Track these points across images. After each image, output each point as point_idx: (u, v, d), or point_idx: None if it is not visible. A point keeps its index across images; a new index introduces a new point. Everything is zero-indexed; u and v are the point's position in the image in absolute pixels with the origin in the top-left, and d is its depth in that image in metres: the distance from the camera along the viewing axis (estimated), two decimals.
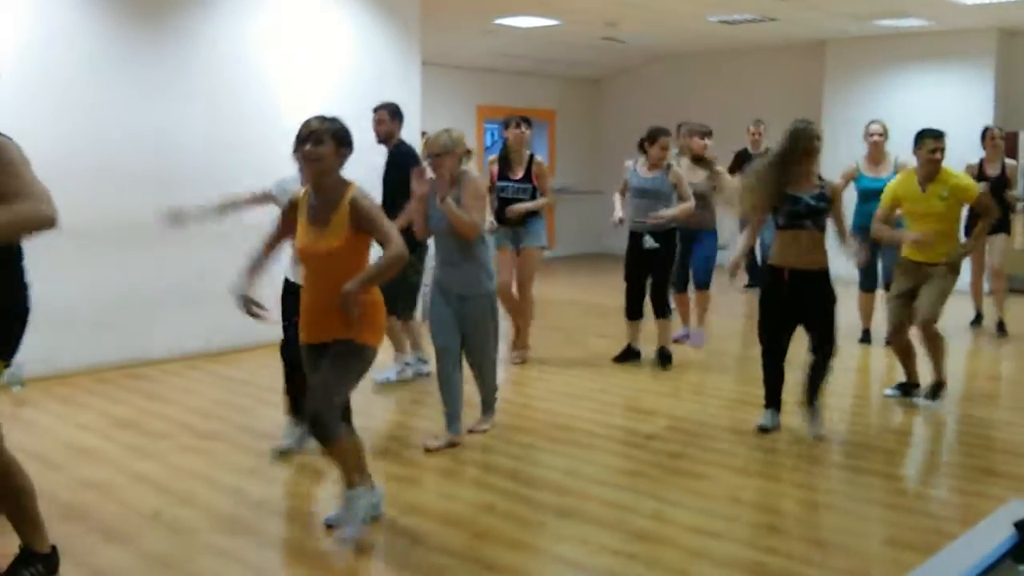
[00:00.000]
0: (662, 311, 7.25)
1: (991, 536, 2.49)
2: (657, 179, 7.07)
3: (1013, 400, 6.56)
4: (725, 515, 4.31)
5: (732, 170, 10.91)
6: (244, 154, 7.77)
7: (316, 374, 3.90)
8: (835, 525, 4.25)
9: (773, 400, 5.64)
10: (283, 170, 7.89)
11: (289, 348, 4.95)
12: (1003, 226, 8.58)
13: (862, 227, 7.04)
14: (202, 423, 5.72)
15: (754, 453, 5.22)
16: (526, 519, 4.34)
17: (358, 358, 3.89)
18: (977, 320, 9.04)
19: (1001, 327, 8.69)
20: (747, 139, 10.95)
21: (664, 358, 7.25)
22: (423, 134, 9.48)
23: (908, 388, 6.32)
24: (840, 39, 12.51)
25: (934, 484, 4.96)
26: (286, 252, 4.49)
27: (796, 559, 3.83)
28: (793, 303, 5.41)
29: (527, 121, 7.46)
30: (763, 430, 5.54)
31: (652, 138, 7.09)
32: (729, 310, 8.81)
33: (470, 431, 5.43)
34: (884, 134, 7.88)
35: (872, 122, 7.98)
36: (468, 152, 5.19)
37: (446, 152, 5.05)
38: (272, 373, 6.82)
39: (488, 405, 5.61)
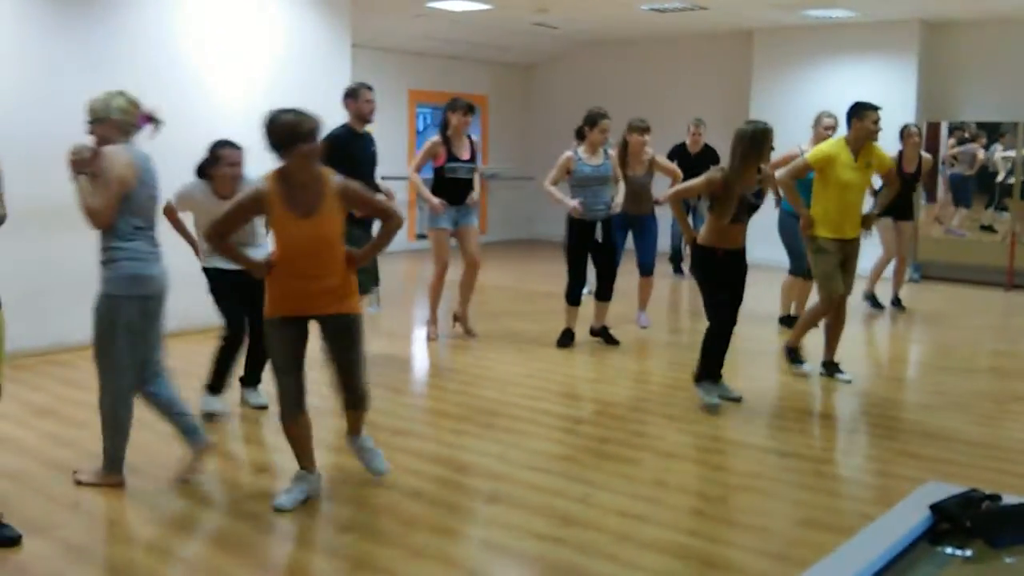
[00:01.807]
0: (611, 295, 7.44)
1: (908, 518, 2.55)
2: (604, 165, 7.20)
3: (928, 383, 6.73)
4: (651, 498, 4.36)
5: (673, 158, 11.05)
6: (170, 136, 7.57)
7: (339, 351, 4.20)
8: (756, 507, 4.32)
9: (718, 373, 5.89)
10: (200, 148, 7.80)
11: (246, 325, 5.40)
12: (909, 214, 9.27)
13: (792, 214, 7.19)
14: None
15: (680, 437, 5.28)
16: (455, 505, 4.34)
17: (361, 326, 4.25)
18: (876, 303, 9.28)
19: (898, 302, 9.31)
20: (687, 138, 11.04)
21: (611, 337, 7.47)
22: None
23: (834, 366, 6.53)
24: (768, 29, 12.68)
25: (852, 466, 5.08)
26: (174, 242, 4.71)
27: (719, 541, 3.90)
28: (724, 278, 5.67)
29: (472, 108, 7.56)
30: (714, 407, 5.72)
31: (592, 122, 7.11)
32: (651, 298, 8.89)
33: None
34: (836, 127, 8.00)
35: (826, 115, 8.05)
36: (151, 122, 4.68)
37: (97, 119, 4.49)
38: (199, 360, 6.72)
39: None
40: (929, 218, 11.87)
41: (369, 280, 6.70)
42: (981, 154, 11.56)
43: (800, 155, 7.82)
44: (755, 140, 5.50)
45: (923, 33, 11.80)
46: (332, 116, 8.45)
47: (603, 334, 7.52)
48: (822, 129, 7.80)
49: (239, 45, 8.06)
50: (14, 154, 6.71)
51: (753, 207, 5.65)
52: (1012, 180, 11.27)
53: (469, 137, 7.48)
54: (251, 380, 5.77)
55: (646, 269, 8.11)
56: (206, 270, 5.55)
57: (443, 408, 5.81)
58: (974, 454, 5.08)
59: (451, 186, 7.34)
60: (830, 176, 6.20)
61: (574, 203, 7.10)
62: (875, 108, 6.27)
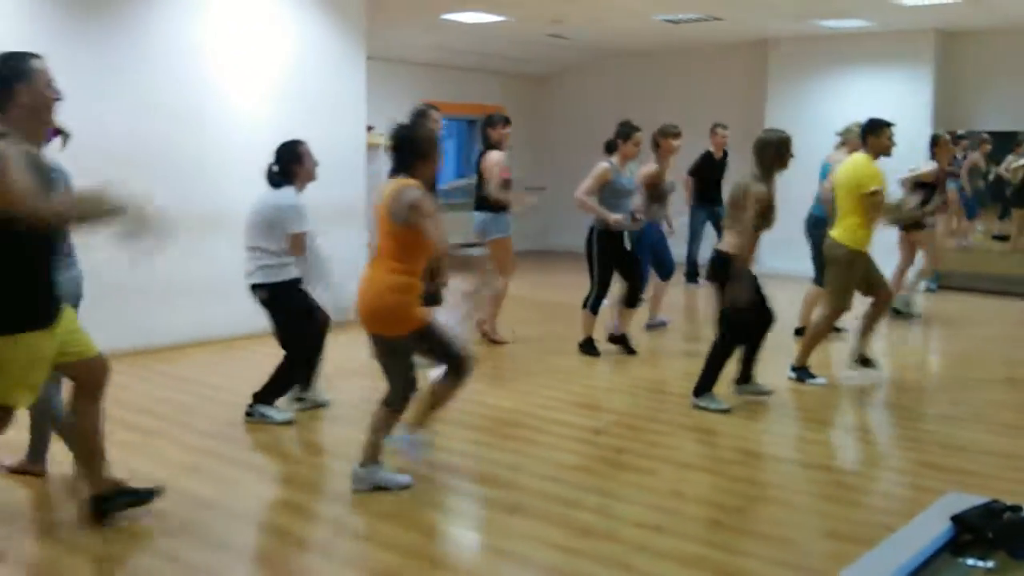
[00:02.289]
0: (639, 302, 7.56)
1: (929, 529, 2.53)
2: (632, 177, 7.36)
3: (947, 394, 6.68)
4: (669, 509, 4.34)
5: (696, 172, 11.07)
6: (188, 148, 7.67)
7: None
8: (775, 518, 4.30)
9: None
10: (230, 165, 7.86)
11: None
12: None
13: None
14: (142, 420, 5.62)
15: (697, 447, 5.26)
16: (473, 515, 4.34)
17: None
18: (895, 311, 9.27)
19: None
20: (711, 143, 11.05)
21: (630, 347, 7.56)
22: (369, 129, 9.43)
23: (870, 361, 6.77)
24: (783, 39, 12.67)
25: (873, 477, 5.04)
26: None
27: (737, 552, 3.88)
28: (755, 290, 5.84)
29: (509, 121, 7.94)
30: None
31: (627, 135, 7.18)
32: (666, 307, 8.87)
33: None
34: None
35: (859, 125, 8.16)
36: (59, 135, 4.64)
37: None
38: (217, 370, 6.76)
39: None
40: (947, 229, 11.82)
41: None
42: (981, 163, 11.58)
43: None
44: (781, 147, 5.75)
45: (938, 42, 11.76)
46: (345, 125, 8.59)
47: (623, 342, 7.54)
48: (885, 140, 7.46)
49: (255, 56, 8.11)
50: None
51: None
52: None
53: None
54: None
55: (669, 273, 8.36)
56: (288, 283, 5.53)
57: (460, 418, 5.80)
58: (995, 465, 5.04)
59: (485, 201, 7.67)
60: (871, 192, 6.33)
61: (617, 216, 7.09)
62: (890, 124, 6.49)
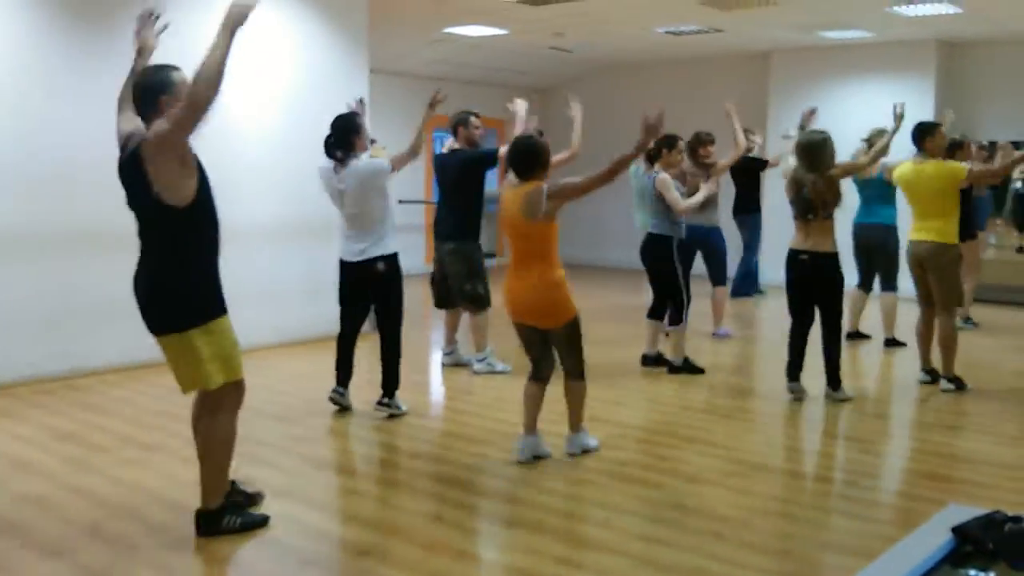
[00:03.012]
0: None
1: (930, 541, 2.53)
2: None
3: (949, 404, 6.66)
4: (672, 522, 4.33)
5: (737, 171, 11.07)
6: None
7: None
8: (777, 530, 4.28)
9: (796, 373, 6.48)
10: (233, 179, 7.87)
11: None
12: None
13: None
14: (145, 435, 5.62)
15: (699, 460, 5.25)
16: (474, 529, 4.33)
17: None
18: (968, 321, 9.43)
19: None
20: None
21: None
22: (372, 142, 9.43)
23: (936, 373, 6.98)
24: (785, 50, 12.69)
25: (875, 488, 5.02)
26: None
27: (739, 565, 3.86)
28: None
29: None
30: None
31: (672, 143, 7.33)
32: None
33: None
34: None
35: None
36: None
37: None
38: None
39: None
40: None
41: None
42: None
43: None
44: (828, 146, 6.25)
45: (940, 53, 11.78)
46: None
47: (662, 360, 7.54)
48: (940, 139, 7.33)
49: (257, 69, 8.13)
50: (36, 177, 6.82)
51: None
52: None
53: None
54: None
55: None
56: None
57: (462, 431, 5.80)
58: (997, 475, 5.03)
59: None
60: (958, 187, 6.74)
61: (707, 189, 7.42)
62: (940, 125, 7.19)
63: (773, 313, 9.01)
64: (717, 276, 8.60)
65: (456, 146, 7.27)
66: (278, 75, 8.31)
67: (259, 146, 8.06)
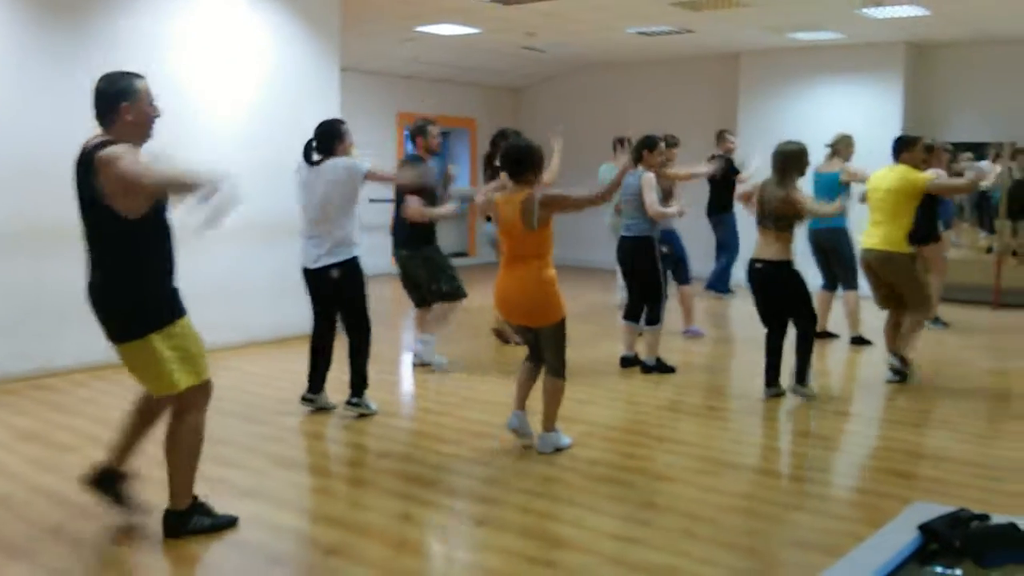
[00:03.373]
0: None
1: (897, 538, 2.55)
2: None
3: (916, 402, 6.72)
4: (642, 520, 4.34)
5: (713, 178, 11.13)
6: (156, 155, 7.59)
7: None
8: (745, 527, 4.30)
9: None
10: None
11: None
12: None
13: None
14: (109, 435, 5.54)
15: (670, 458, 5.26)
16: (445, 528, 4.32)
17: None
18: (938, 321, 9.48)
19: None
20: (720, 149, 11.04)
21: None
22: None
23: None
24: (755, 51, 12.76)
25: (842, 486, 5.06)
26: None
27: (708, 563, 3.87)
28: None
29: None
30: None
31: (653, 145, 7.27)
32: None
33: None
34: None
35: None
36: None
37: None
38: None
39: None
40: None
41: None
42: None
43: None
44: (802, 156, 6.32)
45: (909, 55, 11.88)
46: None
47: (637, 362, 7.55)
48: (919, 152, 7.26)
49: (228, 67, 8.08)
50: (2, 178, 6.72)
51: None
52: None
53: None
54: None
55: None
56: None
57: (432, 431, 5.78)
58: (963, 473, 5.07)
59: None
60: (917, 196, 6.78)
61: (677, 208, 7.44)
62: (920, 138, 7.14)
63: (743, 313, 9.03)
64: (683, 276, 8.60)
65: (416, 155, 7.23)
66: (249, 72, 8.25)
67: (229, 144, 7.99)
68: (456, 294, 7.29)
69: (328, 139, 5.78)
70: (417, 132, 7.20)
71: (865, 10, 9.65)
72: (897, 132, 11.48)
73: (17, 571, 3.70)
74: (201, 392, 4.01)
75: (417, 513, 4.41)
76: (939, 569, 2.42)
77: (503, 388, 6.80)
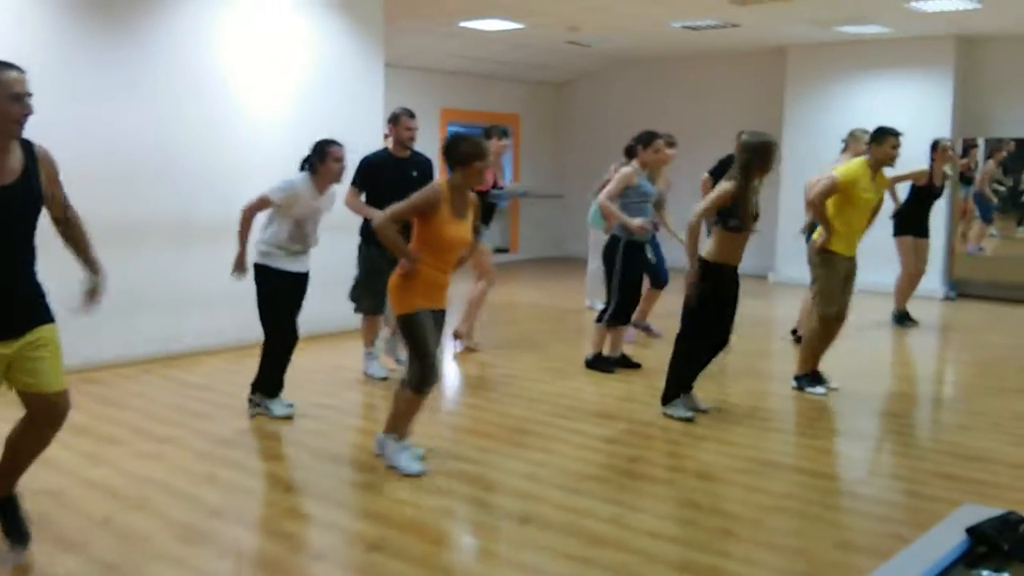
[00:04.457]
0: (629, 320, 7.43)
1: (944, 541, 2.51)
2: (654, 188, 7.15)
3: (963, 403, 6.63)
4: (683, 519, 4.32)
5: (715, 173, 11.00)
6: (207, 156, 7.72)
7: (436, 338, 4.83)
8: (788, 528, 4.27)
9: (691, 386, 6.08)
10: (247, 172, 7.91)
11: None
12: (927, 231, 9.30)
13: None
14: (157, 428, 5.64)
15: (711, 457, 5.23)
16: (485, 524, 4.33)
17: None
18: (904, 319, 9.25)
19: (908, 317, 9.37)
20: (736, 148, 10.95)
21: (633, 361, 7.39)
22: (386, 136, 9.45)
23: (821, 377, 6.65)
24: (801, 45, 12.63)
25: (888, 487, 5.00)
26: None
27: (749, 563, 3.85)
28: (728, 295, 5.88)
29: (507, 132, 7.80)
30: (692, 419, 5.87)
31: (648, 141, 6.98)
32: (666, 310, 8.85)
33: None
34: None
35: (863, 131, 8.13)
36: None
37: None
38: (231, 378, 6.78)
39: None
40: (960, 235, 11.78)
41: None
42: (994, 170, 11.59)
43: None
44: (763, 151, 5.63)
45: (959, 49, 11.69)
46: (363, 132, 8.61)
47: (625, 362, 7.34)
48: (889, 148, 6.65)
49: (273, 64, 8.15)
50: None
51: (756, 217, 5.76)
52: None
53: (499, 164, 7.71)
54: (277, 389, 5.92)
55: (664, 281, 8.27)
56: (275, 271, 5.66)
57: (471, 426, 5.80)
58: (1012, 475, 5.00)
59: (490, 209, 7.61)
60: (853, 195, 6.27)
61: (639, 222, 6.81)
62: (896, 134, 6.39)
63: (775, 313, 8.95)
64: (655, 280, 8.29)
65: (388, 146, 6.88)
66: (294, 72, 8.32)
67: (273, 138, 8.07)
68: (357, 306, 6.91)
69: (310, 157, 5.65)
70: (389, 120, 6.81)
71: (914, 3, 9.51)
72: (947, 127, 11.41)
73: (69, 563, 3.77)
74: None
75: (457, 509, 4.42)
76: (987, 572, 2.39)
77: (544, 385, 6.81)
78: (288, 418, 5.78)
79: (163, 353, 7.45)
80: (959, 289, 11.54)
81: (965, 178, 11.49)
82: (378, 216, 4.71)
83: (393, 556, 3.88)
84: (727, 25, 11.11)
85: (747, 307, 10.59)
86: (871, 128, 6.73)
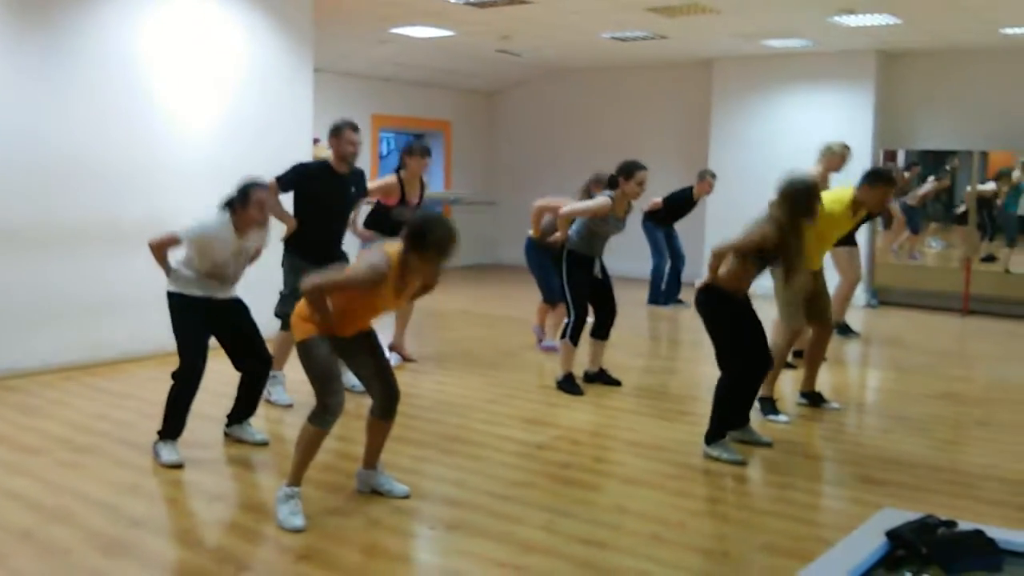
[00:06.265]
0: (609, 334, 7.13)
1: (864, 544, 2.57)
2: (625, 220, 6.89)
3: (885, 407, 6.79)
4: (612, 525, 4.35)
5: (670, 201, 11.06)
6: (132, 160, 7.57)
7: (372, 360, 4.54)
8: (715, 532, 4.32)
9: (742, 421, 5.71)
10: (174, 176, 7.78)
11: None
12: (855, 240, 9.08)
13: None
14: (80, 437, 5.51)
15: (640, 463, 5.28)
16: (415, 533, 4.31)
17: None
18: (846, 330, 9.41)
19: (849, 328, 9.48)
20: (697, 187, 10.95)
21: (612, 378, 7.20)
22: (315, 141, 9.38)
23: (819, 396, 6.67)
24: (728, 58, 12.83)
25: (812, 491, 5.09)
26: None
27: (677, 567, 3.89)
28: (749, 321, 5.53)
29: (428, 151, 7.39)
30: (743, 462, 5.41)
31: (629, 173, 6.68)
32: (625, 325, 8.91)
33: None
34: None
35: (841, 145, 8.48)
36: None
37: None
38: (155, 386, 6.64)
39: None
40: (885, 245, 12.07)
41: None
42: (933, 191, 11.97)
43: None
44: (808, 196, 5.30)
45: (880, 63, 12.00)
46: (291, 136, 8.53)
47: (602, 377, 7.19)
48: (880, 195, 6.46)
49: (200, 69, 8.02)
50: None
51: None
52: (964, 208, 11.52)
53: (421, 180, 7.38)
54: (247, 414, 5.55)
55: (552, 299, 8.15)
56: (182, 296, 5.24)
57: (402, 434, 5.76)
58: (933, 479, 5.13)
59: (397, 227, 7.23)
60: (825, 233, 6.21)
61: (557, 236, 6.86)
62: (893, 181, 6.38)
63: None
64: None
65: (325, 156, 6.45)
66: (222, 77, 8.19)
67: (199, 141, 7.96)
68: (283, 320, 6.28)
69: (233, 198, 5.20)
70: (330, 133, 6.24)
71: (837, 18, 9.73)
72: (869, 139, 11.68)
73: None
74: None
75: (387, 518, 4.39)
76: (907, 575, 2.44)
77: (476, 392, 6.80)
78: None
79: (87, 361, 7.28)
80: (881, 297, 11.83)
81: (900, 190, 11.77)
82: (307, 281, 4.22)
83: (321, 566, 3.84)
84: (656, 37, 11.25)
85: (678, 319, 10.75)
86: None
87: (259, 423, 5.71)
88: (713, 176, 10.97)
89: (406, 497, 4.61)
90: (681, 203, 11.08)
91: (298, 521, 4.22)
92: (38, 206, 7.00)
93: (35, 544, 3.98)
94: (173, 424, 5.18)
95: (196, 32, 8.01)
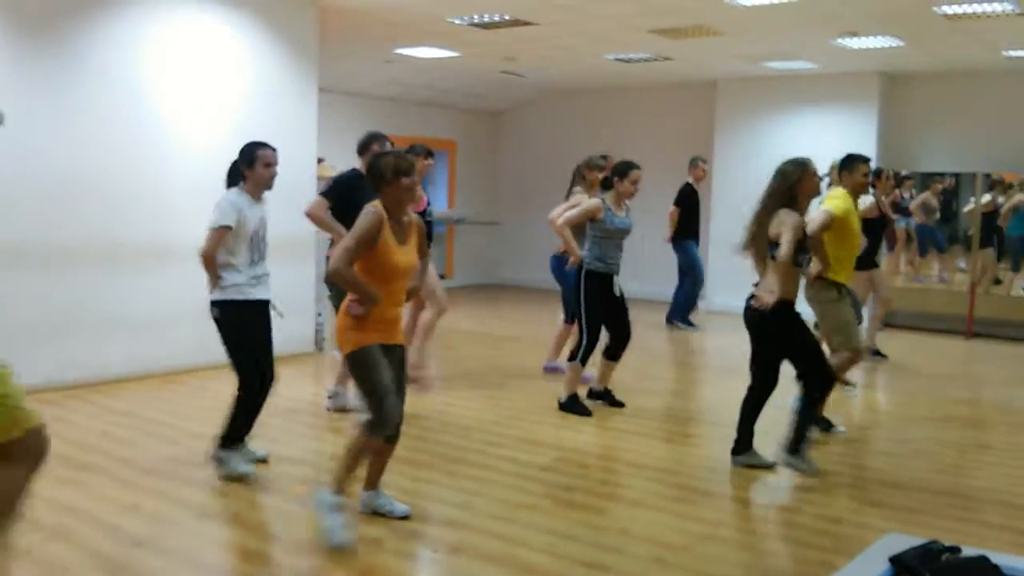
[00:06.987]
0: (621, 355, 7.04)
1: (868, 570, 2.55)
2: (629, 218, 6.80)
3: (892, 431, 6.76)
4: (615, 548, 4.32)
5: (680, 202, 11.10)
6: (135, 180, 7.58)
7: (390, 375, 4.30)
8: (720, 556, 4.29)
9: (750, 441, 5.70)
10: (176, 197, 7.79)
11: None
12: (876, 263, 9.12)
13: None
14: (81, 455, 5.50)
15: (644, 484, 5.25)
16: (416, 555, 4.28)
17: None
18: (876, 353, 9.40)
19: (879, 352, 9.37)
20: (691, 175, 11.12)
21: (616, 399, 7.13)
22: (320, 160, 9.40)
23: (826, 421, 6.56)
24: (731, 79, 12.87)
25: (817, 515, 5.05)
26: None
27: None
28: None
29: (431, 153, 7.34)
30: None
31: (623, 172, 6.69)
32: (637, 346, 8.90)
33: None
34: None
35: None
36: None
37: None
38: (156, 404, 6.64)
39: None
40: (889, 268, 12.05)
41: None
42: (932, 201, 11.93)
43: None
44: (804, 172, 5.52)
45: (883, 85, 12.02)
46: (296, 156, 8.55)
47: (607, 396, 7.13)
48: (860, 176, 6.45)
49: (205, 89, 8.05)
50: None
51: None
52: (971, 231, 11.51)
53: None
54: (244, 434, 5.34)
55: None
56: (235, 303, 5.08)
57: (405, 455, 5.74)
58: (937, 503, 5.09)
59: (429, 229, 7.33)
60: (848, 223, 6.21)
61: (579, 253, 6.75)
62: (866, 160, 6.38)
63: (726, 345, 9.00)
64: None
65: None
66: (227, 97, 8.22)
67: (203, 162, 7.96)
68: None
69: (238, 163, 5.26)
70: (361, 148, 6.58)
71: (841, 40, 9.76)
72: (871, 161, 11.67)
73: None
74: None
75: (388, 539, 4.37)
76: None
77: (480, 413, 6.78)
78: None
79: (89, 379, 7.28)
80: (886, 320, 11.79)
81: (900, 208, 11.75)
82: (332, 261, 4.20)
83: None
84: (659, 58, 11.29)
85: (680, 337, 10.73)
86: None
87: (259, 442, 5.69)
88: (704, 161, 11.10)
89: (406, 517, 4.58)
90: (688, 195, 11.09)
91: (346, 535, 4.19)
92: (42, 224, 7.02)
93: (35, 562, 3.96)
94: (234, 432, 5.16)
95: (201, 51, 8.04)
